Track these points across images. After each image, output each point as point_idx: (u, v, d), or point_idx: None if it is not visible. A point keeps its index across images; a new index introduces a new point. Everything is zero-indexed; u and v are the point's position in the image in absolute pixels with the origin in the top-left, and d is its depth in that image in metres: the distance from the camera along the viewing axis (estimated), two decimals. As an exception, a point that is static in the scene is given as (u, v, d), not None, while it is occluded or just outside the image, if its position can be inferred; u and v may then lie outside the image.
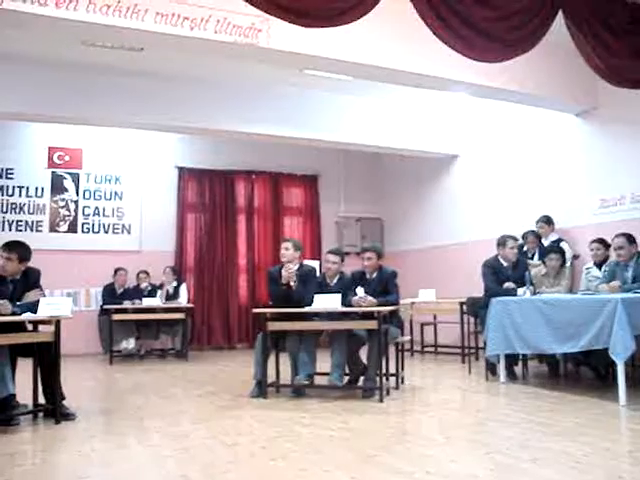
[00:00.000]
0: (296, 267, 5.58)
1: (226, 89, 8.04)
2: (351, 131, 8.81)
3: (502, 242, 6.37)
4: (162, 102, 7.78)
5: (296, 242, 5.77)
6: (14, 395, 4.42)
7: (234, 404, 5.19)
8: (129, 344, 8.56)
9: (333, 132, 8.68)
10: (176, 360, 8.51)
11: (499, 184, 8.81)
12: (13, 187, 9.36)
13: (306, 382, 5.36)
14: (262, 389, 5.41)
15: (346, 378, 5.69)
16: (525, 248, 7.43)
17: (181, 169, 10.06)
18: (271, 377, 5.57)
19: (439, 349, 8.75)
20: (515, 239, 6.49)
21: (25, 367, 4.76)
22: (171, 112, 7.85)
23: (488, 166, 9.07)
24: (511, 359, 6.13)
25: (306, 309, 5.28)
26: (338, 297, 5.25)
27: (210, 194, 10.14)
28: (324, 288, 5.60)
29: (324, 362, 5.80)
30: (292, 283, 5.52)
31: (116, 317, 8.17)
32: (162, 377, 6.92)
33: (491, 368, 6.15)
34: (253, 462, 3.45)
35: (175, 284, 8.88)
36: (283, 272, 5.56)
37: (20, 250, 4.79)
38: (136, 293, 8.77)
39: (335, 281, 5.76)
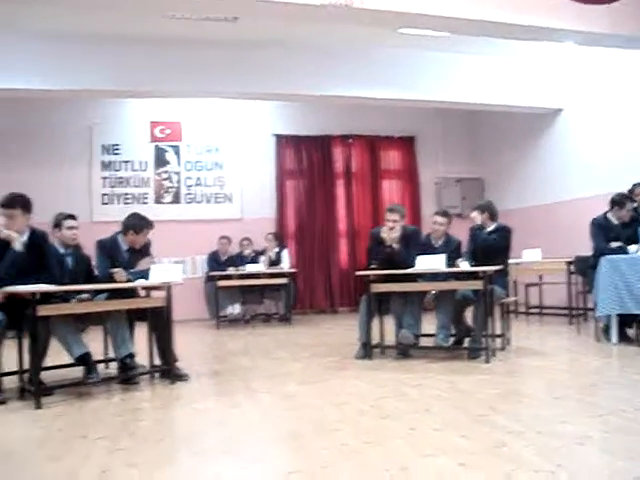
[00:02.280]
0: (399, 231, 5.52)
1: (321, 54, 7.99)
2: (449, 90, 8.57)
3: (620, 202, 6.02)
4: (257, 70, 7.83)
5: (402, 211, 5.69)
6: (133, 355, 4.64)
7: (340, 365, 5.25)
8: (235, 309, 8.82)
9: (431, 92, 8.48)
10: (280, 324, 8.70)
11: (606, 137, 8.36)
12: (119, 162, 9.75)
13: (411, 337, 5.32)
14: (367, 351, 5.45)
15: (451, 339, 5.64)
16: (636, 204, 7.05)
17: (278, 136, 10.14)
18: (375, 339, 5.60)
19: (544, 310, 8.51)
20: (633, 200, 6.18)
21: (142, 331, 5.01)
22: (267, 80, 7.89)
23: (594, 119, 8.62)
24: (624, 320, 5.86)
25: (410, 270, 5.25)
26: (443, 258, 5.18)
27: (308, 160, 10.18)
28: (429, 249, 5.54)
29: (429, 324, 5.78)
30: (395, 245, 5.48)
31: (221, 283, 8.42)
32: (268, 340, 7.09)
33: (604, 329, 5.92)
34: (363, 420, 3.49)
35: (277, 250, 9.02)
36: (384, 234, 5.52)
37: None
38: (240, 260, 8.98)
39: (441, 242, 5.69)
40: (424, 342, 5.70)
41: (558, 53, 8.32)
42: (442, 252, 5.39)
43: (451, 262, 5.31)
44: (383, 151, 10.60)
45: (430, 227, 5.87)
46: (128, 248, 5.07)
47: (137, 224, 5.07)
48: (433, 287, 5.47)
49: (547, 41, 6.97)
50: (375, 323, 5.61)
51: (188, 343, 6.60)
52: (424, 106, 9.20)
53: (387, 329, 5.79)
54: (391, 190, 10.60)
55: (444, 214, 5.79)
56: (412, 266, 5.27)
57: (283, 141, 10.17)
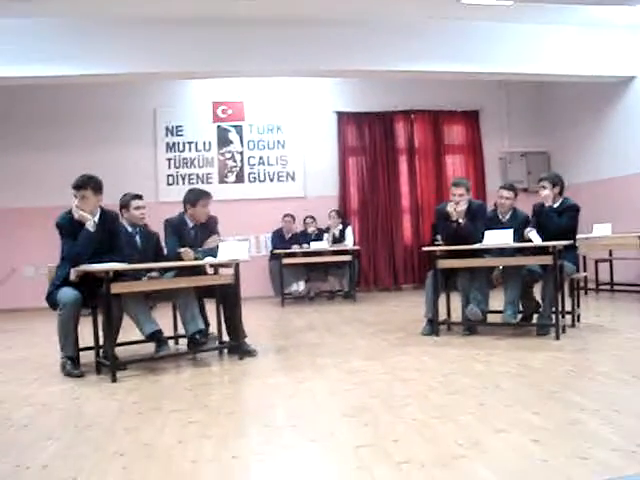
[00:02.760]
0: (465, 205, 5.44)
1: (381, 29, 7.87)
2: (513, 61, 8.32)
3: None
4: (318, 48, 7.78)
5: (468, 185, 5.59)
6: (203, 331, 4.74)
7: (406, 342, 5.24)
8: (299, 287, 8.88)
9: (494, 64, 8.25)
10: (344, 301, 8.72)
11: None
12: (183, 143, 9.90)
13: (479, 313, 5.25)
14: (434, 327, 5.42)
15: (519, 316, 5.54)
16: None
17: (340, 113, 10.10)
18: (442, 315, 5.56)
19: (615, 287, 8.26)
20: None
21: (210, 308, 5.11)
22: (328, 57, 7.83)
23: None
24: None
25: (477, 246, 5.17)
26: (510, 233, 5.09)
27: (370, 136, 10.11)
28: (495, 224, 5.44)
29: (496, 300, 5.69)
30: (461, 220, 5.40)
31: (286, 261, 8.49)
32: (332, 317, 7.12)
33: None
34: (431, 396, 3.47)
35: (341, 227, 9.02)
36: (450, 209, 5.45)
37: (210, 197, 5.16)
38: (304, 237, 9.03)
39: (507, 217, 5.58)
40: (491, 318, 5.62)
41: (629, 17, 7.97)
42: (509, 227, 5.29)
43: (518, 236, 5.21)
44: (446, 126, 10.42)
45: (496, 202, 5.75)
46: (193, 226, 5.15)
47: (191, 197, 5.16)
48: (501, 262, 5.37)
49: (616, 5, 6.68)
50: (441, 299, 5.56)
51: (254, 320, 6.69)
52: (488, 78, 8.99)
53: (454, 305, 5.73)
54: (455, 165, 10.43)
55: (510, 188, 5.66)
56: (479, 241, 5.20)
57: (345, 118, 10.12)
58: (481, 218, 5.50)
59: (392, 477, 2.33)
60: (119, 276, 4.43)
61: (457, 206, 5.42)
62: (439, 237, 5.84)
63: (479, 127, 10.48)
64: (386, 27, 7.87)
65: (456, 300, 5.71)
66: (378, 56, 7.91)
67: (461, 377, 3.89)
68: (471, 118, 10.44)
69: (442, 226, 5.65)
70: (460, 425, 2.91)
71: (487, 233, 5.17)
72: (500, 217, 5.62)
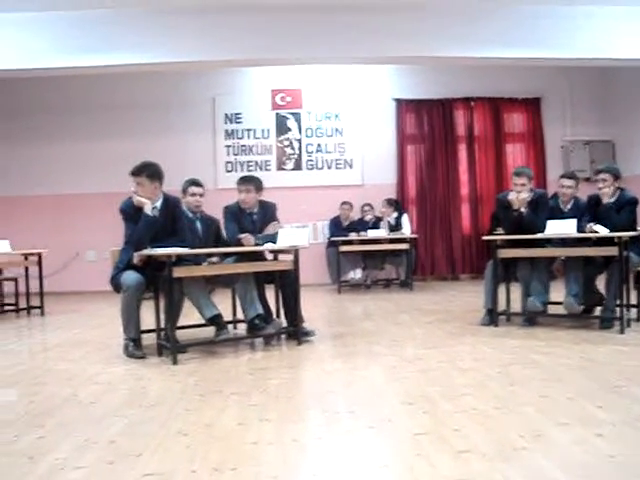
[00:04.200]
0: (528, 194, 5.33)
1: (441, 14, 7.72)
2: (577, 46, 8.05)
3: None
4: (377, 34, 7.69)
5: (530, 174, 5.46)
6: (261, 315, 4.81)
7: (464, 331, 5.19)
8: (356, 274, 8.88)
9: (557, 49, 8.00)
10: (401, 290, 8.68)
11: None
12: (242, 130, 10.01)
13: (539, 306, 5.16)
14: (493, 317, 5.35)
15: (580, 308, 5.41)
16: None
17: (398, 101, 10.02)
18: (501, 306, 5.48)
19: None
20: None
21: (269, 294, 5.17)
22: (387, 44, 7.74)
23: None
24: None
25: (539, 235, 5.07)
26: (573, 222, 4.97)
27: (429, 124, 10.00)
28: (557, 214, 5.32)
29: (557, 292, 5.58)
30: (523, 209, 5.30)
31: (343, 249, 8.50)
32: (389, 305, 7.10)
33: None
34: (491, 386, 3.44)
35: (396, 215, 8.97)
36: (512, 197, 5.35)
37: (255, 182, 5.16)
38: (361, 225, 9.02)
39: (569, 206, 5.45)
40: (552, 310, 5.52)
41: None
42: (571, 216, 5.16)
43: (580, 227, 5.08)
44: (507, 113, 10.21)
45: (557, 191, 5.61)
46: (252, 212, 5.20)
47: (237, 182, 5.22)
48: (564, 253, 5.25)
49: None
50: (501, 289, 5.48)
51: (311, 307, 6.72)
52: (550, 64, 8.74)
53: (513, 296, 5.64)
54: (515, 154, 10.23)
55: (571, 176, 5.51)
56: (541, 231, 5.09)
57: (403, 105, 10.03)
58: (543, 208, 5.38)
59: (452, 466, 2.32)
60: (181, 261, 4.51)
61: (519, 195, 5.32)
62: (499, 228, 5.73)
63: (540, 115, 10.23)
64: (446, 12, 7.72)
65: (516, 291, 5.61)
66: (438, 42, 7.78)
67: (521, 368, 3.84)
68: (532, 105, 10.20)
69: (503, 215, 5.56)
70: (521, 416, 2.87)
71: (549, 223, 5.07)
72: (562, 207, 5.49)
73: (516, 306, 5.58)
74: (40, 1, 6.94)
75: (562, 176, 5.56)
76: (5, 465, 2.49)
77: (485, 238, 5.60)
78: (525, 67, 9.04)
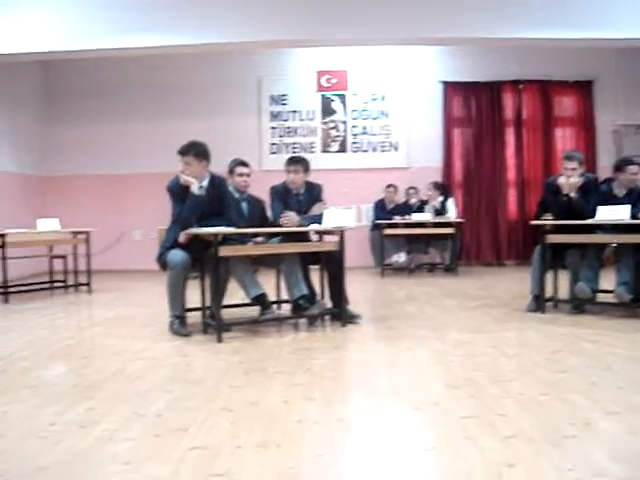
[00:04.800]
0: (579, 179, 5.19)
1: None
2: (632, 26, 7.79)
3: None
4: (423, 15, 7.55)
5: (581, 158, 5.31)
6: (306, 296, 4.81)
7: (511, 317, 5.11)
8: (400, 258, 8.83)
9: (611, 29, 7.71)
10: (445, 274, 8.60)
11: None
12: (287, 112, 10.00)
13: (589, 291, 5.03)
14: (540, 303, 5.25)
15: (630, 297, 5.26)
16: None
17: (445, 83, 9.87)
18: (548, 293, 5.38)
19: None
20: None
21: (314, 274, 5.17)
22: (434, 24, 7.60)
23: None
24: None
25: (590, 221, 4.95)
26: (627, 208, 4.83)
27: (476, 107, 9.84)
28: (610, 199, 5.18)
29: (607, 280, 5.44)
30: (573, 194, 5.18)
31: (387, 232, 8.44)
32: (433, 290, 7.04)
33: None
34: (539, 372, 3.38)
35: (441, 199, 8.86)
36: (562, 181, 5.23)
37: (304, 162, 5.16)
38: (406, 209, 8.94)
39: (624, 192, 5.28)
40: (601, 298, 5.39)
41: None
42: (625, 202, 5.02)
43: (634, 213, 4.93)
44: (557, 97, 9.96)
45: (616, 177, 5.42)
46: (297, 193, 5.19)
47: (286, 163, 5.21)
48: (616, 239, 5.11)
49: None
50: (548, 276, 5.38)
51: (355, 289, 6.67)
52: (604, 45, 8.46)
53: (561, 283, 5.53)
54: (565, 138, 9.99)
55: (635, 162, 5.29)
56: (591, 216, 4.97)
57: (450, 88, 9.88)
58: (594, 193, 5.24)
59: (499, 450, 2.28)
60: (226, 240, 4.54)
61: (569, 180, 5.19)
62: (547, 214, 5.58)
63: (592, 98, 9.95)
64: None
65: (564, 278, 5.50)
66: (485, 23, 7.59)
67: (569, 355, 3.76)
68: (584, 88, 9.93)
69: (552, 200, 5.42)
70: (570, 404, 2.81)
71: (600, 208, 4.93)
72: (616, 192, 5.34)
73: (564, 293, 5.47)
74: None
75: (629, 163, 5.32)
76: (58, 433, 2.55)
77: (533, 223, 5.48)
78: (577, 48, 8.78)
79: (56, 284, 7.50)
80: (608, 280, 5.37)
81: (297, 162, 5.18)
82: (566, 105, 10.02)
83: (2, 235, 6.54)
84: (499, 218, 9.72)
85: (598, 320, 4.94)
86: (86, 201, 9.80)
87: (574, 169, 5.20)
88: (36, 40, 7.52)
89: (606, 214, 4.90)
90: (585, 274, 5.11)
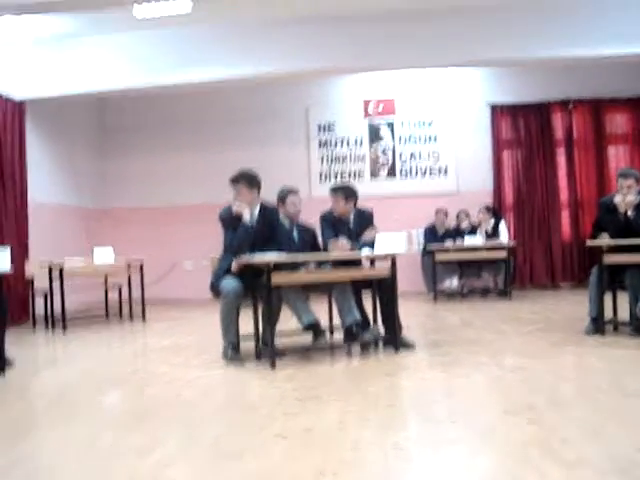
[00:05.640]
0: (636, 196, 5.06)
1: (535, 12, 7.47)
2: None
3: None
4: (469, 37, 7.49)
5: (637, 175, 5.16)
6: (359, 323, 4.77)
7: (569, 341, 4.96)
8: (452, 283, 8.71)
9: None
10: (499, 299, 8.43)
11: None
12: (335, 140, 10.06)
13: None
14: (599, 326, 5.09)
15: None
16: None
17: (493, 106, 9.79)
18: (607, 315, 5.22)
19: None
20: None
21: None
22: (480, 45, 7.55)
23: None
24: None
25: (649, 240, 4.81)
26: (687, 226, 4.68)
27: (525, 129, 9.71)
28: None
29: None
30: (630, 213, 5.04)
31: (439, 257, 8.36)
32: (488, 314, 6.91)
33: None
34: (601, 397, 3.26)
35: (493, 222, 8.75)
36: (618, 200, 5.10)
37: (344, 190, 5.22)
38: (457, 233, 8.83)
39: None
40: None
41: None
42: None
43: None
44: (608, 114, 9.75)
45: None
46: (346, 220, 5.20)
47: (329, 192, 5.28)
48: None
49: None
50: (607, 298, 5.22)
51: (407, 315, 6.57)
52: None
53: (621, 305, 5.36)
54: (618, 156, 9.74)
55: None
56: (651, 235, 4.83)
57: (498, 110, 9.79)
58: (653, 210, 5.10)
59: (563, 478, 2.21)
60: (278, 268, 4.55)
61: (625, 197, 5.07)
62: (602, 234, 5.42)
63: (646, 115, 9.72)
64: (541, 10, 7.45)
65: (623, 299, 5.33)
66: (532, 42, 7.49)
67: (634, 379, 3.64)
68: (636, 105, 9.69)
69: (608, 219, 5.28)
70: (637, 429, 2.71)
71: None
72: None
73: (623, 315, 5.30)
74: (136, 22, 7.20)
75: None
76: (115, 459, 2.58)
77: (590, 243, 5.34)
78: (627, 64, 8.59)
79: (111, 314, 7.64)
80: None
81: (336, 190, 5.22)
82: (618, 122, 9.80)
83: (60, 266, 6.72)
84: (553, 240, 9.52)
85: (661, 343, 4.77)
86: (139, 233, 9.98)
87: (630, 186, 5.08)
88: (92, 79, 7.79)
89: (667, 232, 4.75)
90: (645, 294, 4.95)
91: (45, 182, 8.58)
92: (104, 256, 7.19)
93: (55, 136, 8.92)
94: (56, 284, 6.75)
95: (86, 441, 2.84)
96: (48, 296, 6.84)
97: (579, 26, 7.41)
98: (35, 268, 7.05)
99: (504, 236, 8.64)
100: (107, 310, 7.68)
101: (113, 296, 7.75)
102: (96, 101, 9.95)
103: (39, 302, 7.10)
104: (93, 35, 7.64)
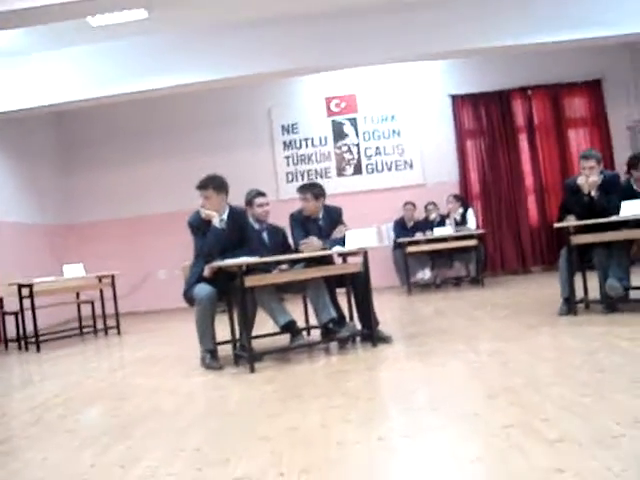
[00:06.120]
0: (598, 177, 5.14)
1: (490, 2, 7.55)
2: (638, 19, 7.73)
3: None
4: (425, 30, 7.56)
5: (598, 156, 5.26)
6: (335, 320, 4.78)
7: (542, 323, 5.03)
8: (425, 274, 8.77)
9: (618, 25, 7.63)
10: (472, 287, 8.52)
11: None
12: (299, 140, 10.07)
13: (620, 288, 4.91)
14: (571, 306, 5.17)
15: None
16: None
17: (454, 97, 9.87)
18: (579, 295, 5.30)
19: None
20: None
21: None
22: (436, 38, 7.63)
23: None
24: None
25: (614, 218, 4.88)
26: (651, 202, 4.76)
27: (487, 117, 9.82)
28: (631, 195, 5.11)
29: (637, 277, 5.36)
30: (593, 193, 5.13)
31: (410, 249, 8.40)
32: (461, 303, 6.98)
33: None
34: (577, 375, 3.31)
35: (461, 211, 8.83)
36: (581, 181, 5.18)
37: (312, 189, 5.19)
38: (426, 225, 8.90)
39: (644, 186, 5.23)
40: (634, 295, 5.29)
41: None
42: None
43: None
44: (567, 99, 9.91)
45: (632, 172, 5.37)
46: (315, 217, 5.21)
47: (297, 191, 5.30)
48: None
49: None
50: (577, 278, 5.29)
51: (382, 309, 6.59)
52: (610, 43, 8.39)
53: (591, 284, 5.44)
54: (579, 139, 9.90)
55: None
56: (615, 213, 4.90)
57: (459, 101, 9.88)
58: (616, 189, 5.18)
59: (548, 456, 2.23)
60: (250, 270, 4.54)
61: (588, 179, 5.15)
62: (569, 216, 5.49)
63: (603, 97, 9.88)
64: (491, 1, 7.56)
65: (593, 279, 5.41)
66: (489, 32, 7.60)
67: (608, 355, 3.69)
68: (593, 88, 9.85)
69: (573, 200, 5.36)
70: (615, 403, 2.75)
71: (624, 204, 4.87)
72: (636, 187, 5.28)
73: (594, 294, 5.38)
74: (92, 33, 7.14)
75: (638, 160, 5.28)
76: (98, 474, 2.55)
77: (557, 225, 5.41)
78: (582, 48, 8.72)
79: (85, 329, 7.54)
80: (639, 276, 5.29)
81: (305, 190, 5.21)
82: (577, 106, 9.95)
83: (30, 285, 6.61)
84: (521, 225, 9.64)
85: (632, 317, 4.84)
86: (109, 246, 9.87)
87: (592, 167, 5.16)
88: (48, 93, 7.71)
89: (631, 210, 4.83)
90: (615, 271, 5.02)
91: (6, 199, 8.44)
92: (74, 271, 7.10)
93: (15, 153, 8.78)
94: (26, 303, 6.63)
95: (67, 459, 2.80)
96: (19, 316, 6.73)
97: (535, 13, 7.53)
98: (3, 288, 6.92)
99: (472, 223, 8.72)
100: (81, 326, 7.56)
101: (86, 312, 7.64)
102: (56, 116, 9.82)
103: (10, 323, 6.97)
104: (49, 48, 7.56)
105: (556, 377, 3.31)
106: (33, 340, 6.61)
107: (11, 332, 7.01)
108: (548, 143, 9.81)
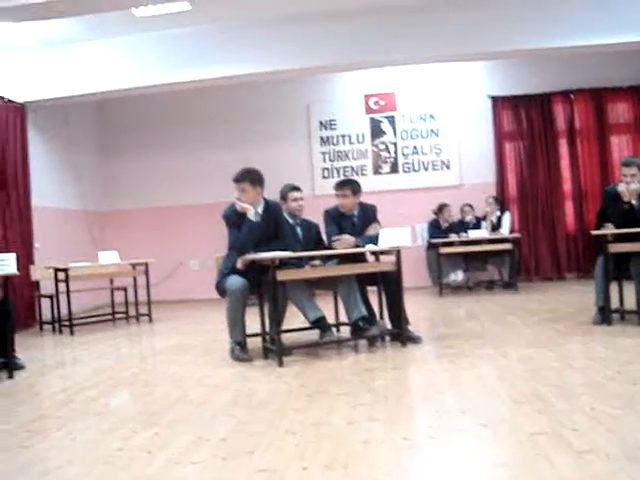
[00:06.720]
0: (639, 185, 5.04)
1: (533, 4, 7.41)
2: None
3: None
4: (468, 30, 7.45)
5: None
6: (365, 316, 4.78)
7: (575, 330, 4.96)
8: (457, 276, 8.70)
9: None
10: (504, 291, 8.43)
11: None
12: (337, 136, 10.05)
13: None
14: (605, 315, 5.09)
15: None
16: None
17: (494, 98, 9.76)
18: (614, 304, 5.21)
19: None
20: None
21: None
22: (479, 39, 7.53)
23: None
24: None
25: (654, 227, 4.80)
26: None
27: (527, 120, 9.67)
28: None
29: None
30: (634, 201, 5.03)
31: (443, 250, 8.35)
32: (494, 306, 6.91)
33: None
34: (610, 385, 3.26)
35: (499, 214, 8.74)
36: (621, 189, 5.09)
37: (352, 185, 5.19)
38: (461, 226, 8.83)
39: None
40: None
41: None
42: None
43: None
44: (610, 104, 9.70)
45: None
46: (351, 214, 5.21)
47: (334, 187, 5.28)
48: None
49: None
50: (613, 287, 5.20)
51: (414, 309, 6.58)
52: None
53: (627, 293, 5.35)
54: (621, 146, 9.69)
55: None
56: (655, 223, 4.81)
57: (499, 102, 9.76)
58: (657, 198, 5.08)
59: (574, 466, 2.20)
60: (283, 265, 4.56)
61: (629, 186, 5.05)
62: (607, 224, 5.39)
63: (649, 102, 9.67)
64: (539, 1, 7.43)
65: (629, 289, 5.32)
66: (532, 33, 7.45)
67: (641, 367, 3.63)
68: (638, 93, 9.65)
69: (612, 208, 5.27)
70: (646, 416, 2.71)
71: (665, 214, 4.78)
72: (677, 197, 5.16)
73: (630, 304, 5.28)
74: (136, 24, 7.24)
75: None
76: (125, 458, 2.59)
77: (594, 233, 5.32)
78: (628, 52, 8.52)
79: (118, 315, 7.66)
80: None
81: (344, 185, 5.21)
82: (621, 111, 9.74)
83: (65, 269, 6.73)
84: (557, 231, 9.49)
85: (670, 330, 4.76)
86: (144, 234, 10.00)
87: (634, 175, 5.06)
88: (93, 81, 7.83)
89: (671, 219, 4.74)
90: (652, 283, 4.94)
91: (48, 185, 8.59)
92: (109, 258, 7.23)
93: (57, 139, 8.93)
94: (62, 287, 6.76)
95: (95, 441, 2.85)
96: (54, 299, 6.87)
97: (578, 16, 7.37)
98: (41, 271, 7.07)
99: (505, 228, 8.63)
100: (114, 312, 7.69)
101: (119, 299, 7.75)
102: (97, 105, 9.95)
103: (46, 306, 7.12)
104: (93, 38, 7.68)
105: (587, 387, 3.26)
106: (67, 323, 6.75)
107: (46, 315, 7.15)
108: (589, 149, 9.63)
